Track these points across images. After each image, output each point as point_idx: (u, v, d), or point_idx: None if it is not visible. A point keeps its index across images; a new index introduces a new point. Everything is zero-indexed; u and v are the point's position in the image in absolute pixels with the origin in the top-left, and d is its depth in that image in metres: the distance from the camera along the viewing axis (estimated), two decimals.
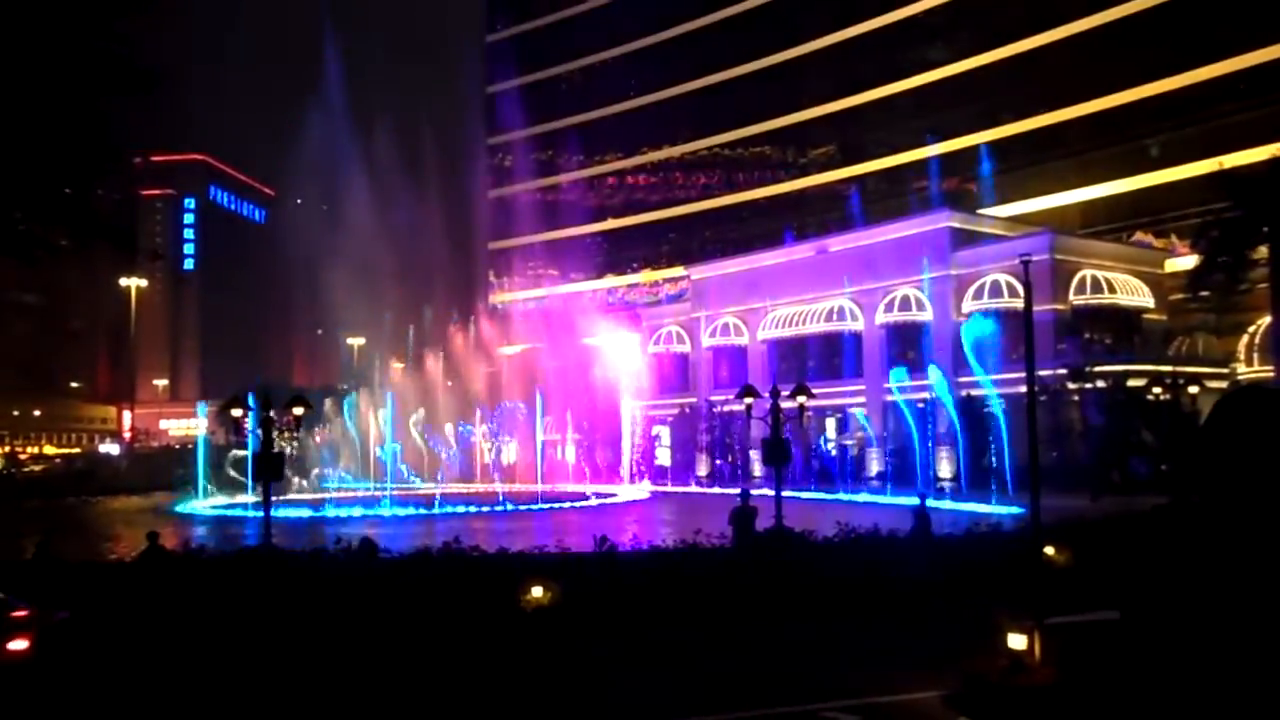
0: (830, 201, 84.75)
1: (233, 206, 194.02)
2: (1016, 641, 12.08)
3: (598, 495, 49.79)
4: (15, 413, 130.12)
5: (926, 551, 19.58)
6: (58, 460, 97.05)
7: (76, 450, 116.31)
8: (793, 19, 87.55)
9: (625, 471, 61.65)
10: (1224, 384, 47.89)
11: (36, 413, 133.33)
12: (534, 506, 43.93)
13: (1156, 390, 43.76)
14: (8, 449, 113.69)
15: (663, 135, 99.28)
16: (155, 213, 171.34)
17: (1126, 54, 67.13)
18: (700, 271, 72.51)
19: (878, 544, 19.73)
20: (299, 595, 16.06)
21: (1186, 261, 51.43)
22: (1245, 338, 52.86)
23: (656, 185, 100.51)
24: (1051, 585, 15.02)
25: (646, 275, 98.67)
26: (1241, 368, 52.47)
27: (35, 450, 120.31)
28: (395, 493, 48.43)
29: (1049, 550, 17.89)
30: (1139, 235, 65.23)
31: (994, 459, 45.23)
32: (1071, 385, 46.89)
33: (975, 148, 75.14)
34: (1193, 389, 42.63)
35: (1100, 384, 47.11)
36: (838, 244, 62.67)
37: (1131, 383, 46.84)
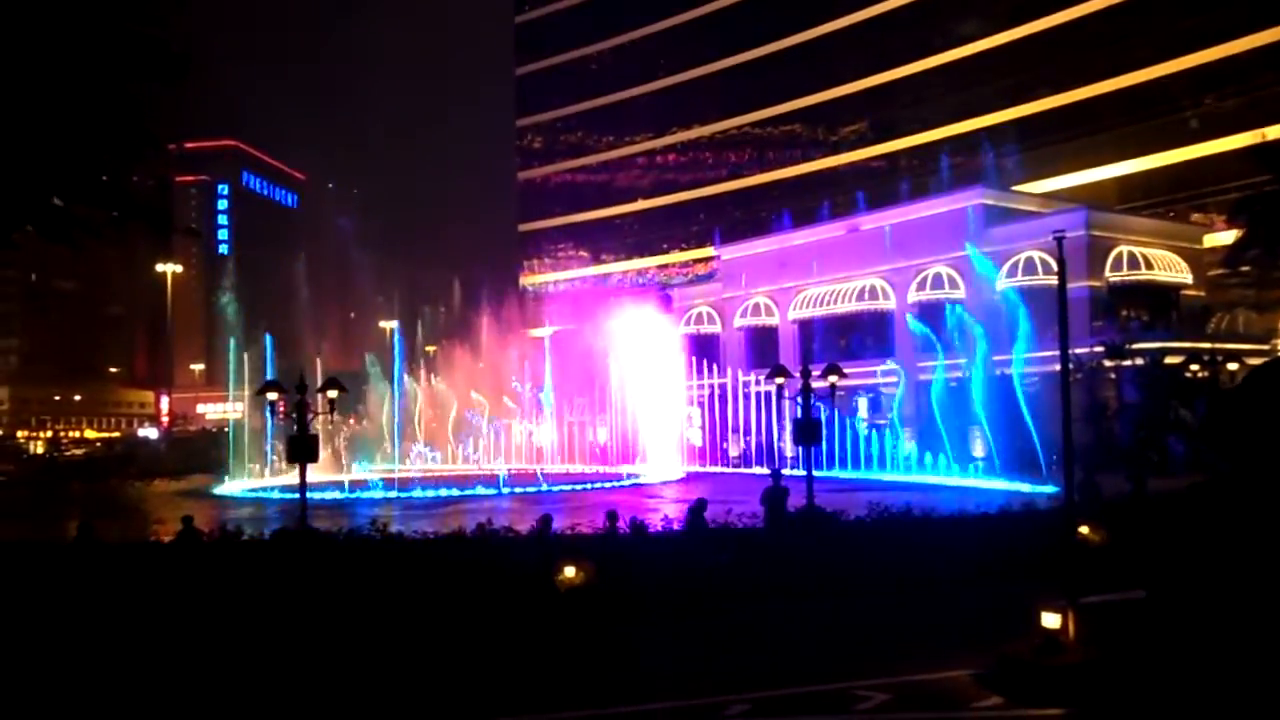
0: (861, 179, 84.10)
1: (265, 192, 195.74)
2: (1050, 621, 12.03)
3: (630, 476, 49.97)
4: (56, 398, 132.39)
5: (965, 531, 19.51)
6: (98, 444, 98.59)
7: (116, 434, 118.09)
8: None
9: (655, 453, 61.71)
10: (1264, 360, 47.20)
11: (77, 398, 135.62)
12: (567, 487, 44.17)
13: (1194, 367, 43.16)
14: (50, 433, 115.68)
15: (692, 115, 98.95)
16: (190, 198, 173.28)
17: (1162, 26, 66.04)
18: (730, 252, 72.27)
19: (910, 524, 19.68)
20: (337, 576, 16.27)
21: (1225, 236, 50.65)
22: None
23: (686, 165, 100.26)
24: (1087, 565, 14.93)
25: (677, 256, 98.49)
26: None
27: (76, 434, 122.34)
28: (431, 475, 48.84)
29: (1084, 530, 17.76)
30: (1177, 210, 64.25)
31: (1030, 437, 44.81)
32: (1108, 363, 46.37)
33: (1009, 123, 74.28)
34: (1232, 366, 42.02)
35: (1138, 361, 46.56)
36: (869, 222, 62.23)
37: (1169, 360, 46.25)
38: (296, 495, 22.36)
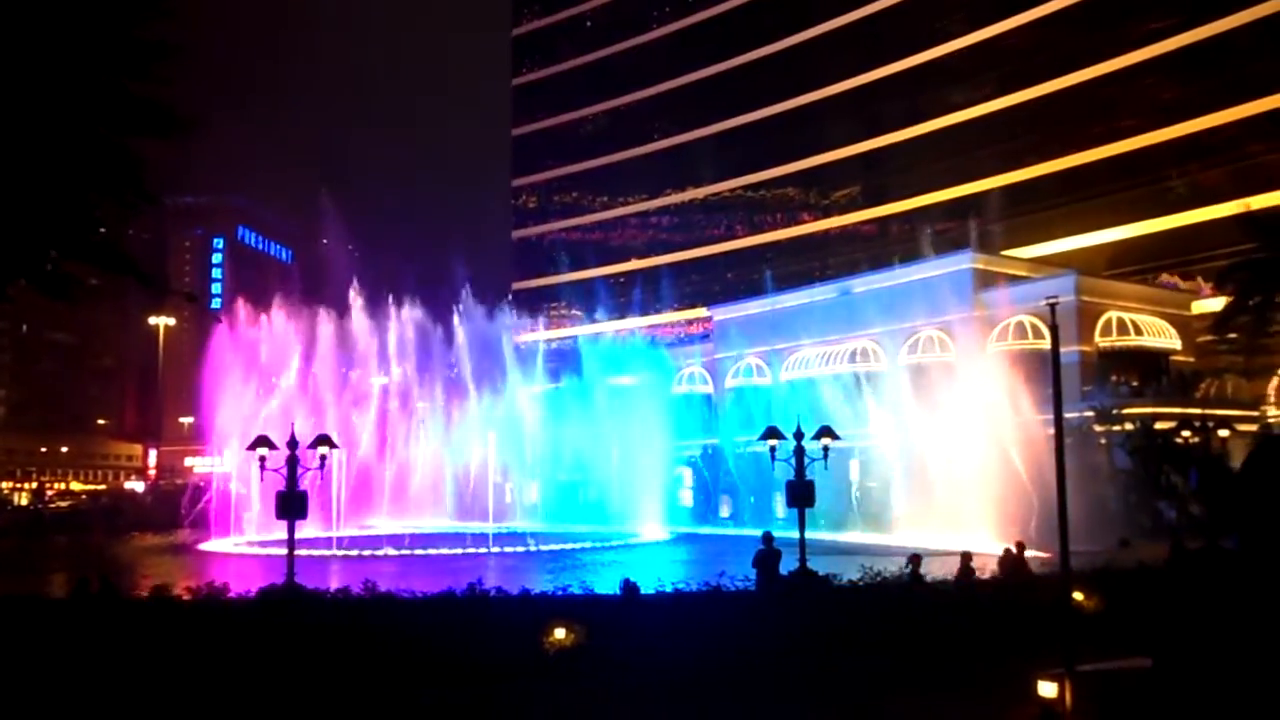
0: (853, 242, 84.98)
1: (261, 247, 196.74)
2: (1047, 689, 11.91)
3: (619, 536, 49.58)
4: (43, 449, 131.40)
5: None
6: (84, 497, 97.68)
7: (102, 487, 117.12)
8: (816, 63, 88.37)
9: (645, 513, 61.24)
10: (1254, 427, 47.29)
11: (64, 449, 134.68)
12: (556, 547, 43.82)
13: (1185, 433, 43.21)
14: (35, 485, 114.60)
15: (686, 177, 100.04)
16: (184, 252, 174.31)
17: (1152, 95, 67.26)
18: (723, 312, 72.57)
19: (902, 589, 19.53)
20: (324, 636, 16.03)
21: (1214, 303, 50.99)
22: (1275, 380, 52.24)
23: (680, 226, 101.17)
24: (1082, 632, 14.81)
25: (670, 315, 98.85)
26: (1272, 410, 51.79)
27: (62, 486, 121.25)
28: (420, 531, 48.43)
29: (1078, 596, 17.64)
30: (1165, 277, 64.82)
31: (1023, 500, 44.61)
32: (1098, 427, 46.40)
33: (999, 189, 75.17)
34: (1223, 432, 42.11)
35: (1128, 426, 46.60)
36: (861, 285, 62.66)
37: (1159, 425, 46.28)
38: (284, 551, 22.11)
